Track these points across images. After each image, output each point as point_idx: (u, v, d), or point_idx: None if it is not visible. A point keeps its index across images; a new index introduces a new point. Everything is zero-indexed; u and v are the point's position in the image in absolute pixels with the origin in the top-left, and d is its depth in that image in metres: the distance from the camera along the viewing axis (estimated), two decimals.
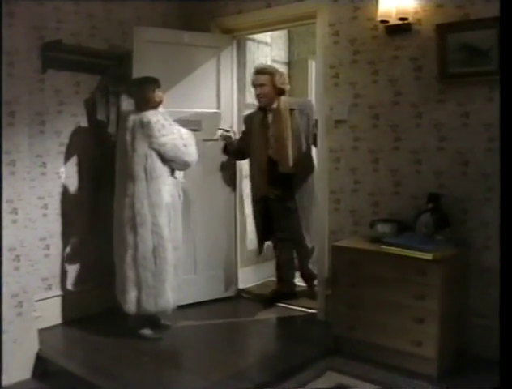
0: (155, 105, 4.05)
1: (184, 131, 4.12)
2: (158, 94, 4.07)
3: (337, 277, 3.80)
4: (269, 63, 5.66)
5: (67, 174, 4.44)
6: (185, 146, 4.05)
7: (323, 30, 4.28)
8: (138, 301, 3.97)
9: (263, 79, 4.61)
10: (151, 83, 4.07)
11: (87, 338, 4.12)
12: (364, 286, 3.62)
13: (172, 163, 4.04)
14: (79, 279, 4.57)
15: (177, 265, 4.11)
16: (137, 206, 3.93)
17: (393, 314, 3.49)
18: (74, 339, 4.18)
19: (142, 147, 3.93)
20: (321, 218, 4.42)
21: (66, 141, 4.42)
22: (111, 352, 3.83)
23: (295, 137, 4.58)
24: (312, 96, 5.93)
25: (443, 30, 3.64)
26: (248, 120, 4.88)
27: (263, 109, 4.71)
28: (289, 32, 6.26)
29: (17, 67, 3.55)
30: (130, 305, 3.98)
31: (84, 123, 4.53)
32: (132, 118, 3.98)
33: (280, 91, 4.65)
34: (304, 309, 4.68)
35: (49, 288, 4.37)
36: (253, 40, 5.46)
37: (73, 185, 4.50)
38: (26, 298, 3.66)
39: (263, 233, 4.86)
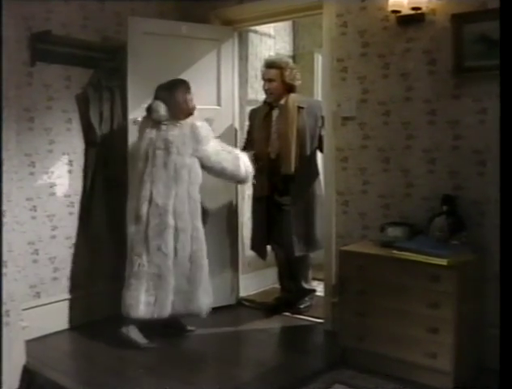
0: (189, 113, 4.17)
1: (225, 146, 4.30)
2: (190, 101, 4.19)
3: (345, 284, 3.77)
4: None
5: (58, 174, 4.41)
6: (229, 153, 4.23)
7: (330, 21, 4.26)
8: (173, 305, 4.08)
9: (272, 73, 4.57)
10: (182, 86, 4.19)
11: (78, 349, 4.10)
12: (373, 293, 3.60)
13: (213, 171, 4.19)
14: (70, 286, 4.53)
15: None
16: (179, 209, 4.06)
17: (405, 323, 3.45)
18: (64, 351, 4.15)
19: (188, 152, 4.05)
20: (328, 221, 4.39)
21: (57, 138, 4.39)
22: (103, 364, 3.80)
23: (300, 138, 4.53)
24: (318, 92, 5.94)
25: (459, 20, 3.62)
26: (252, 115, 4.84)
27: (269, 105, 4.67)
28: (294, 24, 6.24)
29: (4, 60, 3.50)
30: (164, 310, 4.05)
31: (76, 120, 4.51)
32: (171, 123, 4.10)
33: (290, 88, 4.61)
34: (309, 319, 4.67)
35: (38, 295, 4.33)
36: (256, 32, 5.45)
37: (63, 186, 4.47)
38: (13, 307, 3.61)
39: (264, 236, 4.74)
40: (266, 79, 4.59)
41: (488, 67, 3.53)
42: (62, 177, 4.45)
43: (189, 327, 4.37)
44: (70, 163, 4.49)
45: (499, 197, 3.49)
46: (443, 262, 3.28)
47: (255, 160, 4.44)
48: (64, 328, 4.41)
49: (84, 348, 4.11)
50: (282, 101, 4.60)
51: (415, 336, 3.42)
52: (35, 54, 4.20)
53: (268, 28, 5.61)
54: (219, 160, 4.15)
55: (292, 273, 4.92)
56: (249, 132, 4.87)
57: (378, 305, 3.58)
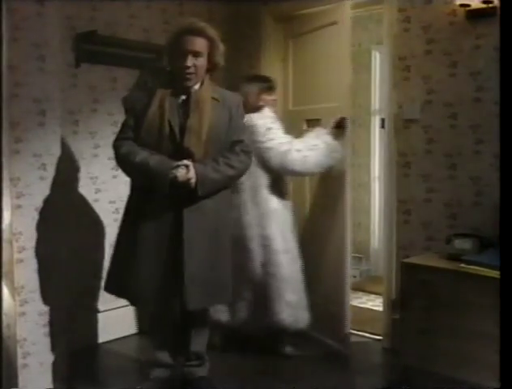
0: (258, 108, 4.07)
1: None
2: (265, 97, 4.12)
3: (407, 299, 3.70)
4: None
5: (103, 180, 4.44)
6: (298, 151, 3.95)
7: (391, 16, 4.20)
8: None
9: (201, 44, 3.24)
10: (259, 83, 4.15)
11: (117, 362, 4.13)
12: (439, 310, 3.51)
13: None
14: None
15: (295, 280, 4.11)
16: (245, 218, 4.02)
17: (475, 344, 3.35)
18: (106, 363, 4.18)
19: None
20: (388, 231, 4.34)
21: (102, 142, 4.40)
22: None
23: (209, 138, 3.27)
24: (376, 92, 5.83)
25: None
26: (137, 104, 3.33)
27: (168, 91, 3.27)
28: None
29: (48, 61, 3.52)
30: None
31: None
32: None
33: (212, 69, 3.38)
34: (366, 335, 4.59)
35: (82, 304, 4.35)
36: None
37: (108, 192, 4.48)
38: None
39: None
40: (191, 52, 3.21)
41: None
42: (107, 182, 4.47)
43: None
44: (116, 168, 4.48)
45: None
46: None
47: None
48: (108, 340, 4.46)
49: (124, 361, 4.14)
50: (196, 87, 3.32)
51: (486, 359, 3.28)
52: (80, 55, 4.23)
53: None
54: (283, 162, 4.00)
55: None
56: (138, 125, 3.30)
57: (444, 323, 3.49)
